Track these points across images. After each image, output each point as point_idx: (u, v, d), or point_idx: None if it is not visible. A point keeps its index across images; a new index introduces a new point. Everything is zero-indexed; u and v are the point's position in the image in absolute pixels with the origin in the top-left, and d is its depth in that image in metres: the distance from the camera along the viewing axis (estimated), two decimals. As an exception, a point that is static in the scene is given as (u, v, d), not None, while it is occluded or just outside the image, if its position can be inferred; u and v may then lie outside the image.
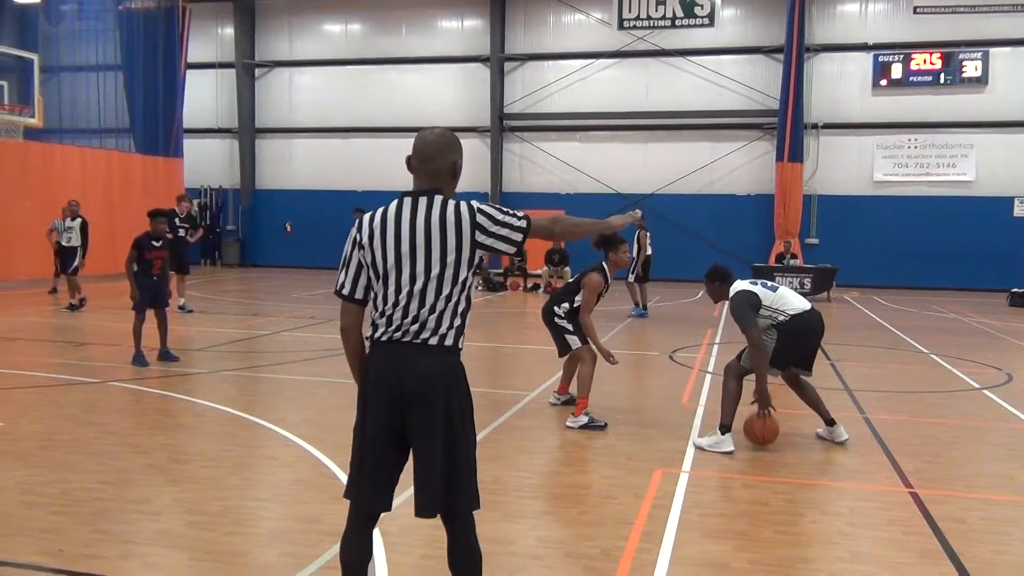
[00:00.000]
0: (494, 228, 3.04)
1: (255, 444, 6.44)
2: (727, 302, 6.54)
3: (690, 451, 6.29)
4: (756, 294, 6.36)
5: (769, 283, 6.60)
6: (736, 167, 24.64)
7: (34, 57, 19.03)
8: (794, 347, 6.41)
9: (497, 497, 5.01)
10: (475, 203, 3.08)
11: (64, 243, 15.14)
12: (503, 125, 26.09)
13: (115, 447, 6.19)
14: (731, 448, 6.27)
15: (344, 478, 5.36)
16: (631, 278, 15.45)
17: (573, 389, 7.51)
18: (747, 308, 6.28)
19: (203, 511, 4.86)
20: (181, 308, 14.40)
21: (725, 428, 6.30)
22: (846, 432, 6.62)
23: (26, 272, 18.87)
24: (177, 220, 15.13)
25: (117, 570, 4.03)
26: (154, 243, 9.63)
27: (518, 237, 3.08)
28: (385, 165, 25.77)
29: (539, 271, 20.94)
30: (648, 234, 15.94)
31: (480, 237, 3.03)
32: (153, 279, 9.63)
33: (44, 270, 18.36)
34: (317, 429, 6.73)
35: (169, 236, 14.16)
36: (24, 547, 4.27)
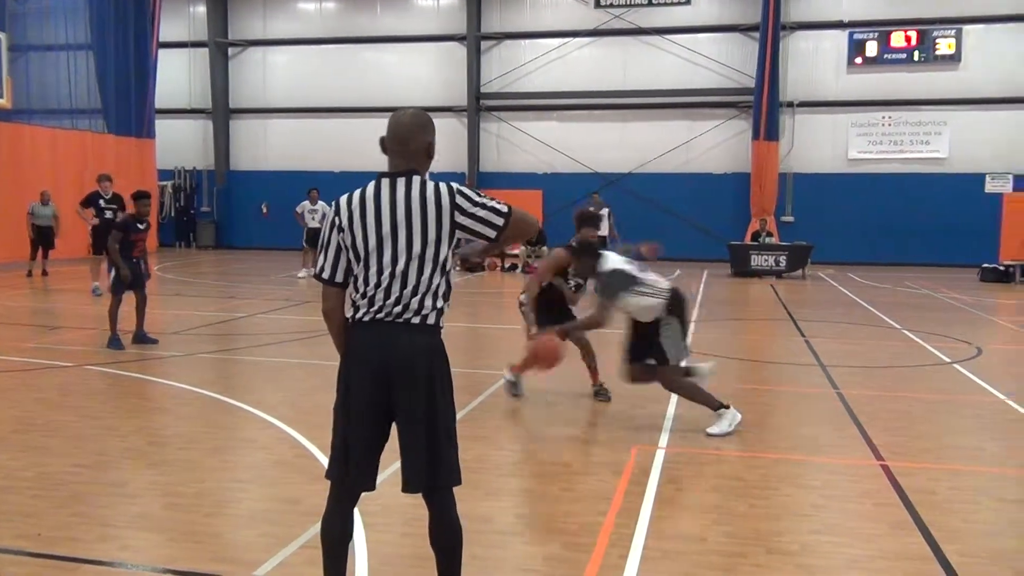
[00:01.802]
0: (472, 209, 3.05)
1: (233, 426, 6.43)
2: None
3: (667, 428, 6.36)
4: (633, 274, 6.29)
5: (635, 261, 6.56)
6: (712, 145, 24.72)
7: (1, 36, 18.66)
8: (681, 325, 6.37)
9: (478, 475, 5.04)
10: (454, 184, 3.10)
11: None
12: (480, 104, 25.98)
13: (92, 431, 6.16)
14: (738, 416, 6.20)
15: (323, 459, 5.40)
16: None
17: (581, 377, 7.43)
18: (623, 287, 6.20)
19: (181, 493, 4.86)
20: (94, 291, 14.10)
21: (720, 406, 6.24)
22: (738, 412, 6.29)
23: (1, 255, 18.64)
24: (103, 201, 14.27)
25: (94, 553, 4.02)
26: (139, 225, 9.53)
27: (499, 221, 3.08)
28: (361, 145, 25.50)
29: (517, 251, 20.95)
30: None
31: (459, 218, 3.04)
32: (133, 261, 9.53)
33: (17, 253, 18.17)
34: (295, 411, 6.73)
35: (96, 220, 14.01)
36: (2, 531, 4.25)
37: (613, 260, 6.37)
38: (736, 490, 5.03)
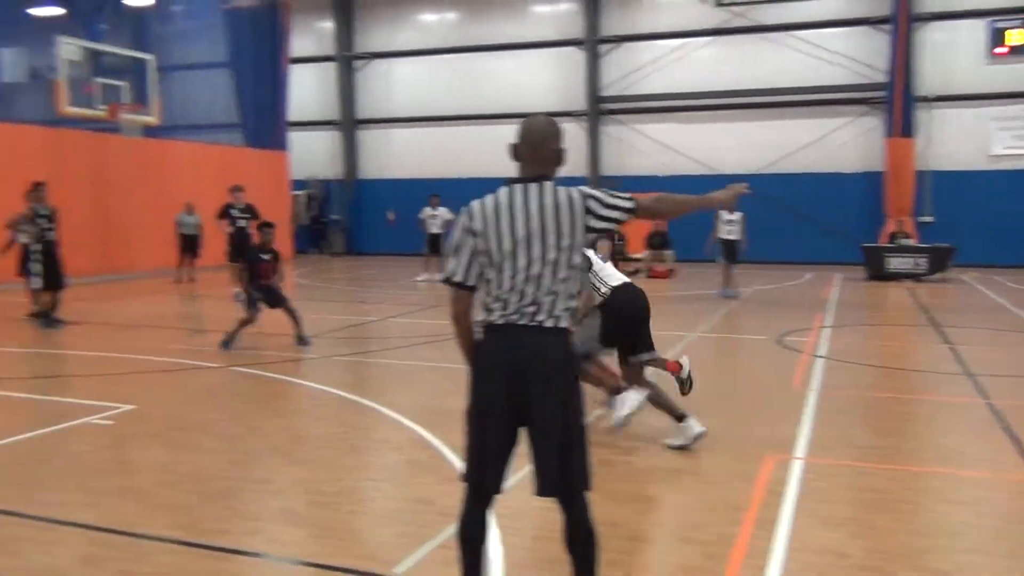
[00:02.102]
0: (604, 211, 3.13)
1: (368, 427, 6.64)
2: None
3: (803, 437, 6.17)
4: (589, 257, 6.18)
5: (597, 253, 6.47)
6: (842, 144, 23.79)
7: (150, 58, 19.92)
8: (618, 323, 6.24)
9: (607, 481, 5.03)
10: (584, 189, 3.16)
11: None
12: (599, 108, 25.91)
13: (238, 429, 6.49)
14: (640, 396, 5.78)
15: (454, 460, 5.51)
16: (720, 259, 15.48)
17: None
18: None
19: (322, 491, 5.06)
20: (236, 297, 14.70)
21: (616, 390, 5.88)
22: (699, 425, 5.91)
23: (147, 263, 19.88)
24: (235, 211, 15.39)
25: (244, 545, 4.24)
26: (262, 255, 9.99)
27: (625, 217, 3.18)
28: (481, 152, 26.00)
29: (640, 255, 20.77)
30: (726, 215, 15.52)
31: (591, 222, 3.11)
32: (263, 286, 9.96)
33: (164, 260, 19.36)
34: (427, 413, 6.88)
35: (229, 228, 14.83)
36: (160, 522, 4.53)
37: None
38: (878, 504, 4.83)
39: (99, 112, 18.39)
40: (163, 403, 7.34)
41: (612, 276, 6.39)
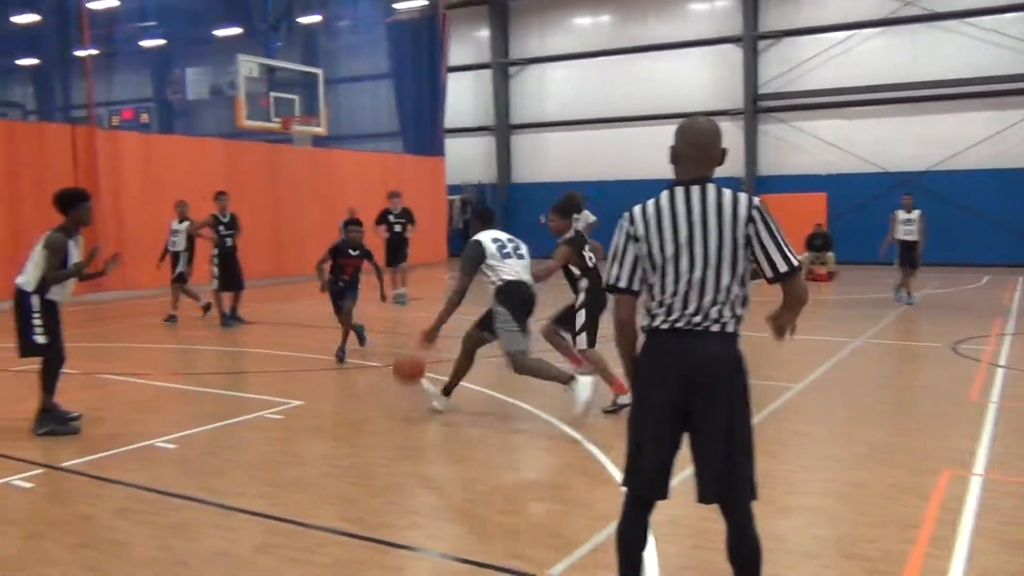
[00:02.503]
0: (763, 235, 3.02)
1: (521, 428, 6.72)
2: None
3: (982, 452, 5.75)
4: (483, 248, 6.71)
5: (511, 246, 6.91)
6: (1023, 138, 22.02)
7: (318, 72, 21.00)
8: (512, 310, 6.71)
9: (767, 491, 4.81)
10: (756, 200, 3.06)
11: (170, 248, 13.32)
12: (757, 106, 25.14)
13: (398, 426, 6.72)
14: (440, 406, 6.86)
15: (608, 465, 5.49)
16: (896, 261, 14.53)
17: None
18: (468, 257, 6.72)
19: (477, 489, 5.16)
20: (399, 298, 15.09)
21: (569, 379, 6.47)
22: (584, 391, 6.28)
23: (314, 267, 20.95)
24: (392, 216, 15.81)
25: (405, 539, 4.38)
26: (350, 251, 9.94)
27: (783, 268, 3.02)
28: (635, 154, 25.81)
29: (799, 257, 19.98)
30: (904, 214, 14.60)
31: (749, 229, 3.01)
32: (342, 283, 9.92)
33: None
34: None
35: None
36: (327, 513, 4.76)
37: (486, 232, 6.84)
38: (1072, 527, 4.43)
39: (273, 124, 19.55)
40: (329, 399, 7.71)
41: (510, 269, 6.89)
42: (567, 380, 6.48)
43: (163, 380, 8.66)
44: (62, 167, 16.23)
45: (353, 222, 10.49)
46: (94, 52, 18.20)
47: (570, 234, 7.43)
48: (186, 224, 13.19)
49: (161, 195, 14.30)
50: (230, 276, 12.71)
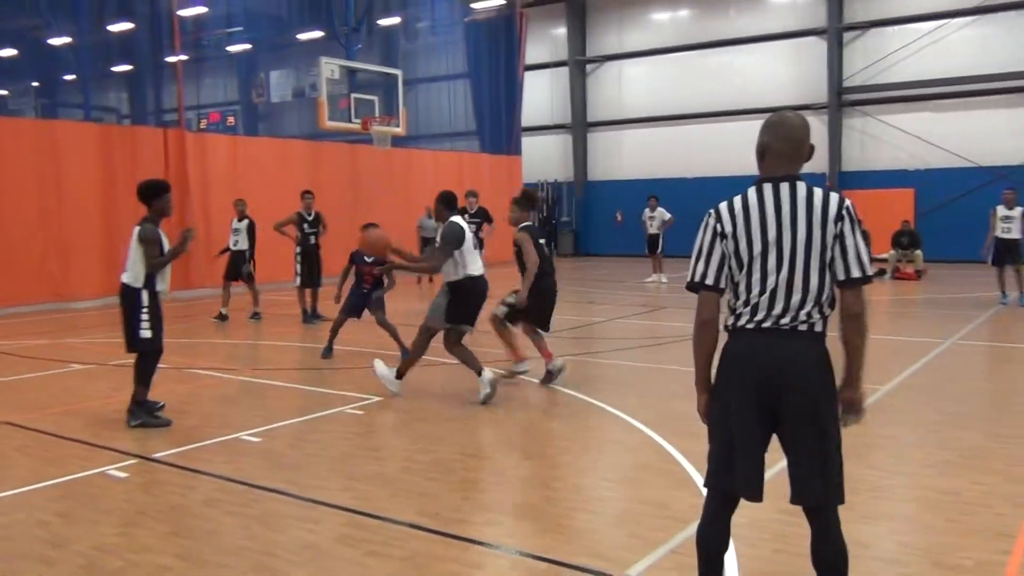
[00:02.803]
0: (848, 236, 2.94)
1: (599, 427, 6.69)
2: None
3: (1083, 459, 5.48)
4: (464, 234, 7.25)
5: (473, 239, 7.45)
6: None
7: (397, 72, 21.30)
8: (463, 305, 7.40)
9: (853, 496, 4.66)
10: (847, 201, 2.98)
11: (232, 247, 13.43)
12: (842, 100, 24.46)
13: (476, 423, 6.78)
14: (395, 390, 7.57)
15: (687, 465, 5.43)
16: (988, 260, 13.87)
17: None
18: (453, 239, 7.18)
19: (555, 487, 5.16)
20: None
21: (480, 370, 7.36)
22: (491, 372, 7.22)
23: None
24: (467, 216, 15.67)
25: (483, 535, 4.42)
26: (365, 258, 9.90)
27: (856, 273, 2.93)
28: (714, 150, 25.43)
29: (885, 255, 19.39)
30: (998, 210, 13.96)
31: (838, 229, 2.93)
32: (364, 290, 9.96)
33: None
34: (656, 415, 6.83)
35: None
36: (406, 508, 4.83)
37: (458, 218, 7.40)
38: None
39: (353, 125, 19.91)
40: (408, 396, 7.81)
41: (473, 264, 7.36)
42: (477, 370, 7.37)
43: (248, 375, 8.91)
44: (154, 169, 16.82)
45: (368, 226, 10.24)
46: (184, 58, 18.84)
47: (527, 223, 8.32)
48: (245, 222, 13.32)
49: (247, 196, 14.65)
50: (312, 273, 12.99)
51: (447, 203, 7.65)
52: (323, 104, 18.88)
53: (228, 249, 13.46)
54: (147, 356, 6.73)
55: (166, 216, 6.80)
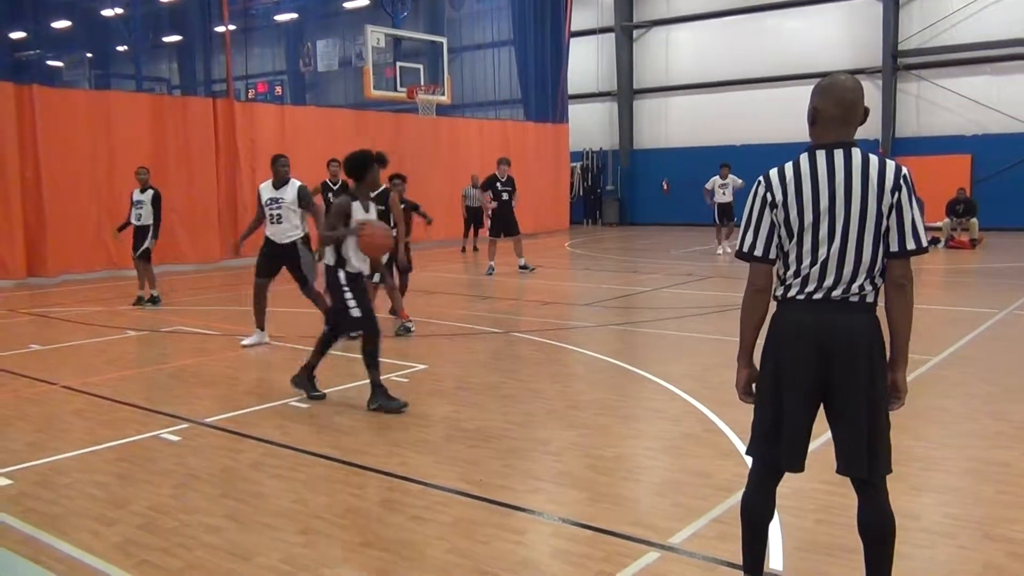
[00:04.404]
0: (906, 206, 2.85)
1: (642, 396, 6.69)
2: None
3: None
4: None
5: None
6: None
7: (443, 40, 21.22)
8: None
9: (901, 467, 4.60)
10: (904, 169, 2.89)
11: (135, 221, 11.85)
12: (897, 64, 23.76)
13: (519, 391, 6.81)
14: (246, 341, 8.49)
15: (731, 435, 5.40)
16: None
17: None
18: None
19: (599, 455, 5.18)
20: (523, 268, 15.10)
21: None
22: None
23: (439, 233, 21.34)
24: (499, 184, 15.31)
25: (526, 502, 4.45)
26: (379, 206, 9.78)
27: (911, 246, 2.85)
28: (763, 117, 24.94)
29: (939, 223, 18.93)
30: None
31: (894, 199, 2.85)
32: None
33: (454, 231, 20.68)
34: (700, 384, 6.80)
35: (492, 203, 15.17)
36: (448, 474, 4.89)
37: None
38: None
39: (399, 94, 19.93)
40: (451, 364, 7.88)
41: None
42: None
43: (294, 342, 9.05)
44: (204, 139, 17.11)
45: (397, 176, 10.05)
46: (232, 28, 18.98)
47: (383, 187, 8.89)
48: (149, 193, 11.78)
49: (295, 165, 14.80)
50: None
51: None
52: (369, 73, 18.93)
53: (129, 223, 11.92)
54: (369, 336, 6.32)
55: (374, 189, 6.61)
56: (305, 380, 6.65)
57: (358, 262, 6.37)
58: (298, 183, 8.81)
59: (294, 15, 23.54)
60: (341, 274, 6.34)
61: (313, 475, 4.93)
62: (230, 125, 17.65)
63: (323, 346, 6.62)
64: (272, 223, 8.72)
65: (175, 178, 16.18)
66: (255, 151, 17.83)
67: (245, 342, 8.77)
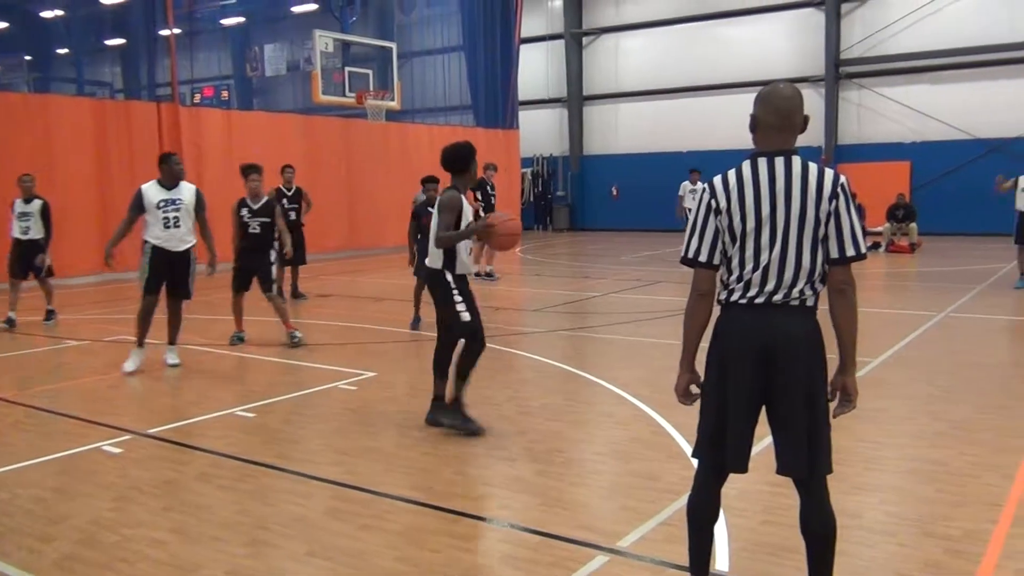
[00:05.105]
0: (844, 213, 2.91)
1: (592, 401, 6.72)
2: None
3: (1073, 431, 5.52)
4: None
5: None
6: None
7: (392, 46, 21.13)
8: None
9: (843, 467, 4.74)
10: (843, 178, 2.96)
11: (20, 235, 10.66)
12: (839, 72, 24.30)
13: (470, 397, 6.74)
14: (130, 367, 7.64)
15: (679, 438, 5.46)
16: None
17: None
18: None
19: (548, 460, 5.19)
20: (488, 276, 15.05)
21: (138, 344, 7.72)
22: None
23: (390, 240, 21.24)
24: (488, 188, 15.23)
25: (476, 509, 4.45)
26: (429, 208, 10.03)
27: (850, 251, 2.91)
28: (711, 124, 25.30)
29: (879, 228, 19.39)
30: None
31: (831, 206, 2.91)
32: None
33: (403, 238, 20.55)
34: (650, 389, 6.85)
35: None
36: (399, 482, 4.86)
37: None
38: None
39: (348, 99, 19.78)
40: (402, 371, 7.83)
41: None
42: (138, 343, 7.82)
43: (241, 351, 8.92)
44: (148, 144, 16.76)
45: (431, 179, 10.05)
46: (177, 31, 18.68)
47: (266, 197, 9.34)
48: (37, 204, 10.68)
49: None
50: (293, 251, 12.28)
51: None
52: (317, 78, 18.76)
53: (16, 239, 10.67)
54: (469, 344, 5.83)
55: (473, 184, 6.11)
56: (451, 413, 5.86)
57: (468, 263, 5.92)
58: (193, 186, 8.14)
59: (241, 19, 23.28)
60: (449, 276, 5.81)
61: (259, 485, 4.86)
62: (175, 130, 17.34)
63: (460, 368, 5.85)
64: (167, 228, 7.75)
65: (118, 184, 15.83)
66: (201, 157, 17.54)
67: (127, 368, 7.74)
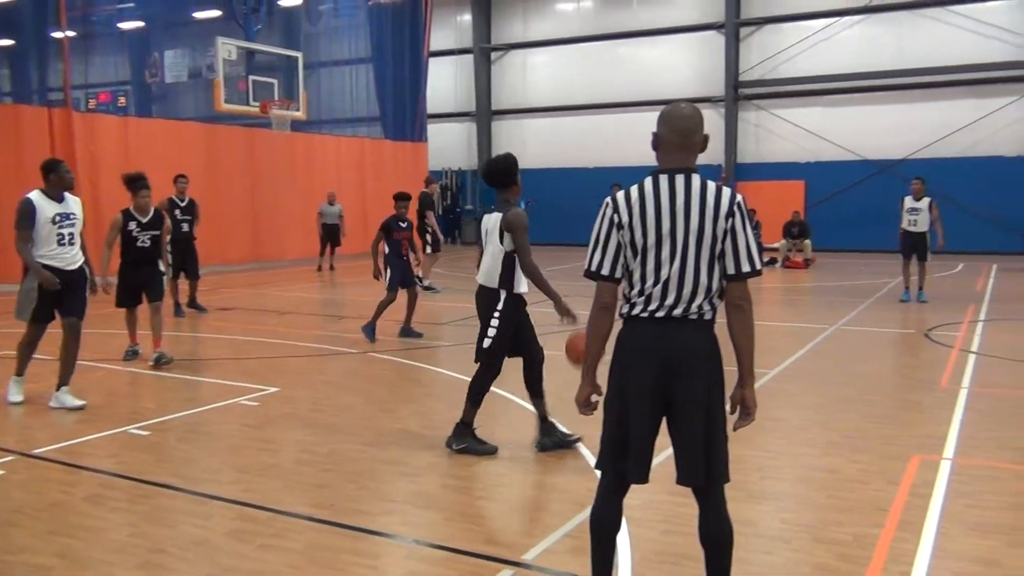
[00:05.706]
0: (740, 231, 3.01)
1: (499, 414, 6.73)
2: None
3: (952, 437, 5.83)
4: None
5: None
6: (1005, 126, 22.17)
7: (298, 55, 20.80)
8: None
9: (739, 476, 4.86)
10: (739, 197, 3.05)
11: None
12: (738, 93, 25.17)
13: (374, 413, 6.72)
14: (18, 398, 6.94)
15: (584, 451, 5.51)
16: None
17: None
18: None
19: (454, 475, 5.17)
20: (428, 288, 15.08)
21: (17, 373, 7.02)
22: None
23: (294, 252, 20.84)
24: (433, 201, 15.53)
25: (379, 525, 4.39)
26: (400, 224, 10.13)
27: (746, 268, 3.01)
28: (618, 141, 25.80)
29: (776, 244, 20.11)
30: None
31: (728, 224, 2.99)
32: (403, 259, 10.09)
33: (308, 250, 20.24)
34: (557, 401, 6.88)
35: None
36: (301, 500, 4.75)
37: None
38: (1038, 511, 4.50)
39: (252, 108, 19.36)
40: (304, 386, 7.68)
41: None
42: (18, 372, 7.06)
43: (136, 367, 8.59)
44: (39, 151, 15.96)
45: (404, 196, 10.35)
46: (71, 34, 17.92)
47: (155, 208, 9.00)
48: None
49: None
50: (185, 264, 12.00)
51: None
52: (220, 86, 18.31)
53: None
54: (485, 368, 5.72)
55: (519, 197, 5.82)
56: (549, 432, 5.73)
57: (525, 284, 5.69)
58: (77, 197, 7.18)
59: (140, 23, 22.48)
60: (504, 295, 5.64)
61: (154, 506, 4.68)
62: (68, 136, 16.62)
63: (530, 388, 5.85)
64: (60, 244, 6.80)
65: (5, 194, 15.06)
66: (96, 164, 16.87)
67: (13, 399, 7.01)
